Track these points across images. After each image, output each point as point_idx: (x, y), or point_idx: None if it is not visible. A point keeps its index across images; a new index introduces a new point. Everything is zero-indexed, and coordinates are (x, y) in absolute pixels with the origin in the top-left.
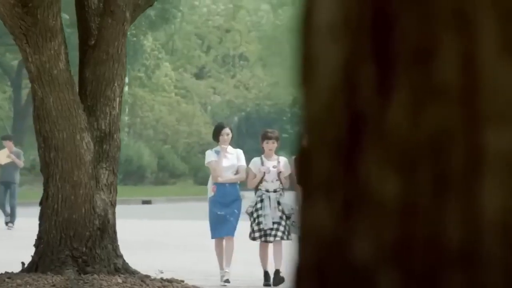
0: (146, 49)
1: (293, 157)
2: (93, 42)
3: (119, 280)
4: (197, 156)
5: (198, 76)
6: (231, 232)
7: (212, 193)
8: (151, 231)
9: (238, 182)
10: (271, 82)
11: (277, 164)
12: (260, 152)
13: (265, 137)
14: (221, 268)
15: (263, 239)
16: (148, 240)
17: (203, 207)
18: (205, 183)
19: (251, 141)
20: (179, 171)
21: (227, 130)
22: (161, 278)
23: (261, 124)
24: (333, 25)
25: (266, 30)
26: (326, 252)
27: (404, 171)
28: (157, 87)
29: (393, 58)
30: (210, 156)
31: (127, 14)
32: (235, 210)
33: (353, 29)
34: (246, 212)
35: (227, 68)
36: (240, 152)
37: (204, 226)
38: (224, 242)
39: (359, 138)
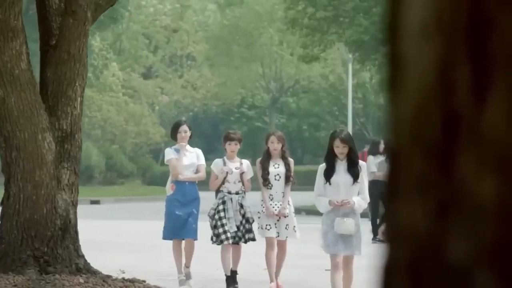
0: (94, 49)
1: (258, 160)
2: (54, 42)
3: (81, 280)
4: (145, 156)
5: (146, 76)
6: (191, 234)
7: (171, 192)
8: (102, 231)
9: (197, 181)
10: (218, 82)
11: (239, 166)
12: (207, 151)
13: (228, 138)
14: (179, 271)
15: (226, 242)
16: (101, 241)
17: (152, 207)
18: (153, 183)
19: (198, 141)
20: (127, 171)
21: (184, 128)
22: (123, 278)
23: (208, 124)
24: (425, 25)
25: (214, 30)
26: (420, 251)
27: (501, 171)
28: (104, 87)
29: (489, 59)
30: (169, 153)
31: (89, 14)
32: (194, 210)
33: (447, 29)
34: (208, 214)
35: (175, 68)
36: (199, 151)
37: (155, 226)
38: (183, 244)
39: (455, 138)
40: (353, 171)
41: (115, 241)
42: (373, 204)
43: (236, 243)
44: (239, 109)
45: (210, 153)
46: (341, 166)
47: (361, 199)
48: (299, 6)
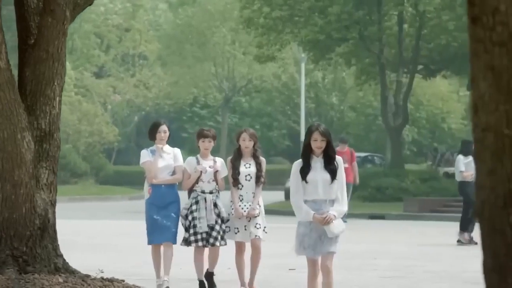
0: None
1: (229, 158)
2: (32, 41)
3: (60, 280)
4: (98, 156)
5: (98, 75)
6: (170, 238)
7: (148, 195)
8: (59, 231)
9: (176, 183)
10: (171, 81)
11: (213, 164)
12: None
13: (201, 135)
14: (158, 276)
15: (199, 243)
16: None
17: (106, 207)
18: (106, 183)
19: (149, 141)
20: (81, 171)
21: (164, 128)
22: (102, 278)
23: None
24: None
25: (166, 29)
26: None
27: None
28: None
29: None
30: (144, 156)
31: (67, 13)
32: (172, 214)
33: None
34: (181, 214)
35: (127, 67)
36: (177, 151)
37: (111, 225)
38: (162, 248)
39: None
40: (330, 168)
41: (75, 240)
42: (465, 206)
43: (212, 245)
44: (191, 109)
45: None
46: (317, 163)
47: (339, 205)
48: (255, 5)
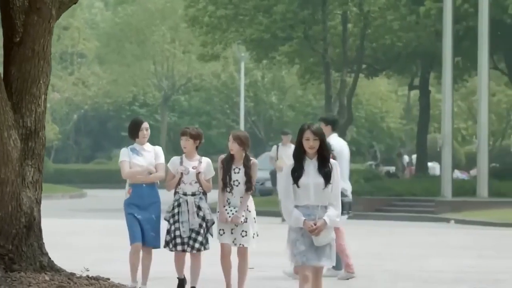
0: None
1: (221, 157)
2: (18, 39)
3: (47, 278)
4: None
5: None
6: (151, 242)
7: (128, 195)
8: None
9: (158, 182)
10: (110, 79)
11: (197, 165)
12: (94, 149)
13: (180, 133)
14: (133, 280)
15: (179, 247)
16: None
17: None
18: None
19: (87, 140)
20: None
21: (146, 125)
22: (87, 276)
23: (98, 122)
24: None
25: (105, 27)
26: None
27: None
28: None
29: None
30: (123, 155)
31: (53, 11)
32: (153, 216)
33: None
34: (165, 218)
35: (65, 66)
36: (159, 149)
37: (60, 224)
38: (141, 252)
39: None
40: (324, 172)
41: None
42: None
43: (198, 250)
44: (130, 107)
45: (97, 151)
46: (310, 165)
47: (332, 212)
48: (200, 4)
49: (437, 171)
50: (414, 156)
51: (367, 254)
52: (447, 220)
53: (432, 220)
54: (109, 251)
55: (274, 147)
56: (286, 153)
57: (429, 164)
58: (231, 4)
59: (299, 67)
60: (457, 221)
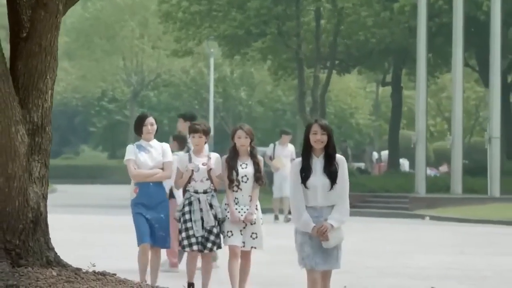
0: None
1: (224, 157)
2: (25, 34)
3: (54, 273)
4: None
5: None
6: (160, 242)
7: (134, 195)
8: None
9: (165, 181)
10: (79, 75)
11: (207, 161)
12: (61, 144)
13: (191, 130)
14: (142, 281)
15: (194, 247)
16: None
17: None
18: None
19: (55, 135)
20: None
21: (151, 120)
22: (94, 271)
23: (67, 118)
24: None
25: (74, 22)
26: None
27: None
28: None
29: None
30: (129, 153)
31: (60, 7)
32: (162, 215)
33: None
34: (175, 218)
35: None
36: (166, 146)
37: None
38: (150, 252)
39: None
40: (330, 171)
41: None
42: None
43: (210, 250)
44: (99, 102)
45: (64, 146)
46: (317, 164)
47: (338, 213)
48: None
49: (406, 167)
50: (383, 153)
51: (349, 251)
52: (422, 217)
53: (407, 217)
54: (92, 247)
55: (271, 145)
56: (283, 153)
57: (400, 160)
58: (205, 0)
59: (272, 63)
60: (432, 218)
